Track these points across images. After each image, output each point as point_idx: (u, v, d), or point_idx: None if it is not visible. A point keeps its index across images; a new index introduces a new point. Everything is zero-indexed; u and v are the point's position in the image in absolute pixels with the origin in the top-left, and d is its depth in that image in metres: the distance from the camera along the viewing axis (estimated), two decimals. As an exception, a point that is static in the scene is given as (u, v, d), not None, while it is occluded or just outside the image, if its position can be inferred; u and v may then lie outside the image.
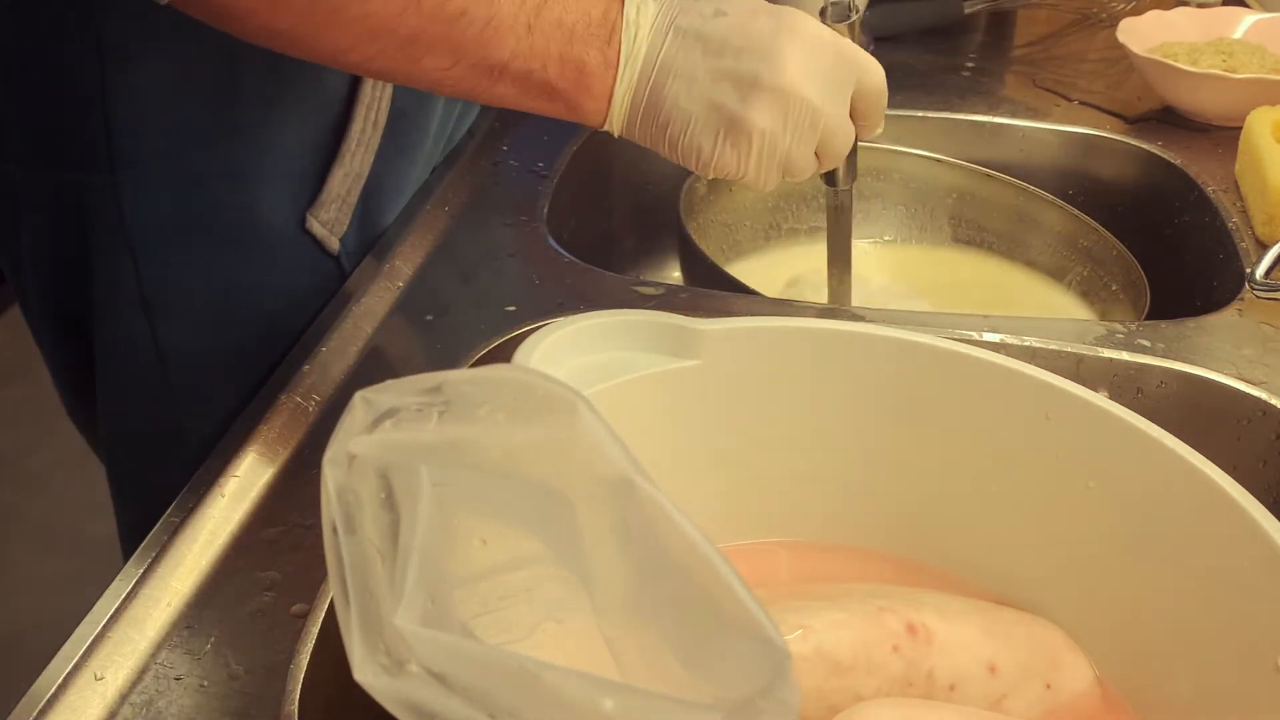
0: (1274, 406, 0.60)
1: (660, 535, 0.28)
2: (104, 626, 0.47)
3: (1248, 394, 0.61)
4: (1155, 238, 0.87)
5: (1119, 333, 0.65)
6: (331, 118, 0.70)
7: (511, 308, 0.67)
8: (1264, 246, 0.74)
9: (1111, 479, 0.47)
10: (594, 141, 0.92)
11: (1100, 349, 0.63)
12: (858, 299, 0.76)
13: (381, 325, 0.66)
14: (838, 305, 0.74)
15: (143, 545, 0.51)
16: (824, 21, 0.61)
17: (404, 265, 0.72)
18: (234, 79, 0.66)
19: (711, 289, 0.70)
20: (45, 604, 1.53)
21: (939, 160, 0.91)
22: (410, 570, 0.28)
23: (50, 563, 1.74)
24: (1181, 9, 1.05)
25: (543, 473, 0.30)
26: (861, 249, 0.92)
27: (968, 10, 1.13)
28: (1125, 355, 0.63)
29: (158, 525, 0.52)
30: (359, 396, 0.30)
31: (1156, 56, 0.93)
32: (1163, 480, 0.45)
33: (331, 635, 0.47)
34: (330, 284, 0.72)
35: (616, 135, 0.59)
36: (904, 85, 0.94)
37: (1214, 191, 0.83)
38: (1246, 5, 1.13)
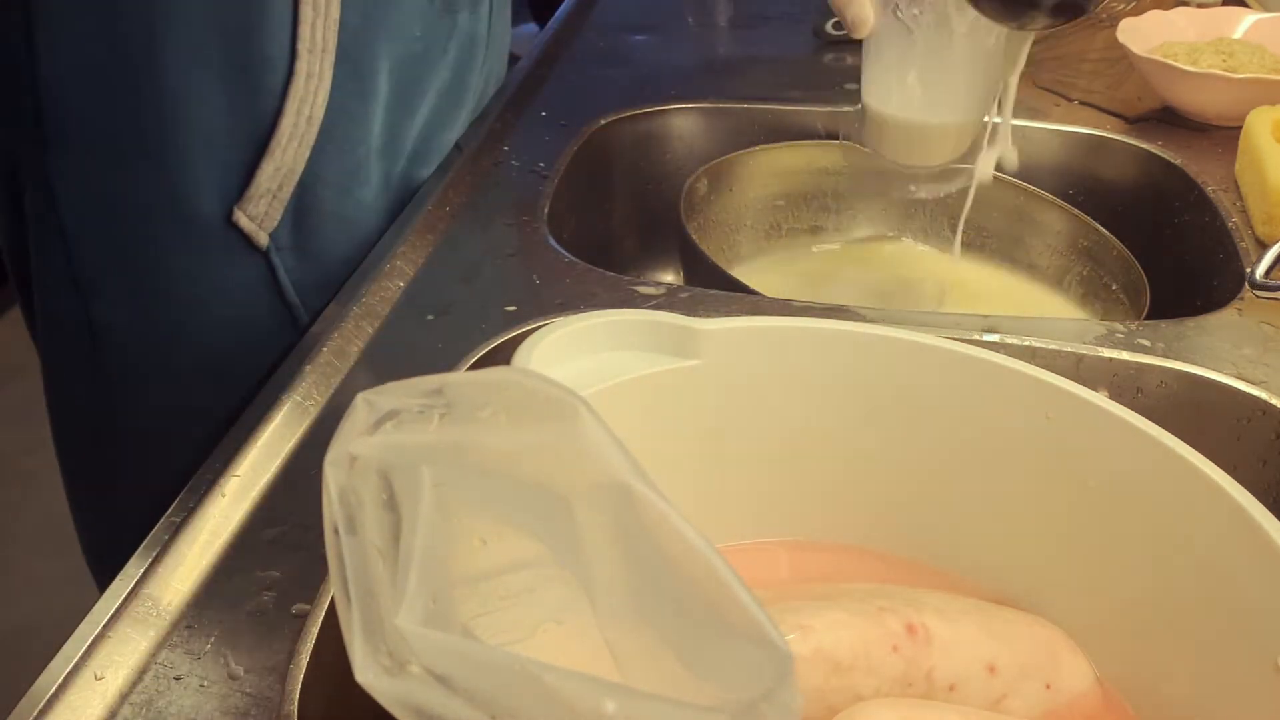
0: (1274, 406, 0.60)
1: (660, 540, 0.28)
2: (104, 626, 0.47)
3: (1248, 394, 0.61)
4: (1155, 238, 0.87)
5: (1119, 332, 0.65)
6: (262, 109, 0.69)
7: (512, 307, 0.67)
8: (1264, 246, 0.74)
9: (1111, 479, 0.47)
10: (595, 141, 0.92)
11: (1100, 349, 0.63)
12: (857, 298, 0.76)
13: (382, 325, 0.66)
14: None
15: (143, 545, 0.51)
16: None
17: (404, 265, 0.72)
18: (155, 61, 0.65)
19: (711, 289, 0.70)
20: (45, 604, 1.54)
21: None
22: (412, 571, 0.28)
23: (50, 563, 1.74)
24: (1181, 9, 1.05)
25: (543, 476, 0.30)
26: (862, 248, 0.92)
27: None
28: (1125, 355, 0.63)
29: (158, 525, 0.52)
30: (361, 398, 0.30)
31: (1156, 56, 0.93)
32: (1162, 480, 0.45)
33: (331, 635, 0.47)
34: (258, 278, 0.72)
35: None
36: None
37: (1214, 191, 0.83)
38: (1246, 5, 1.13)
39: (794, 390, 0.51)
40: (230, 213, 0.70)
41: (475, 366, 0.63)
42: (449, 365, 0.63)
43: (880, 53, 0.76)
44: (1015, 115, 0.95)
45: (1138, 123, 0.94)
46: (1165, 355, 0.63)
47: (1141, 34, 0.97)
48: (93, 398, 0.75)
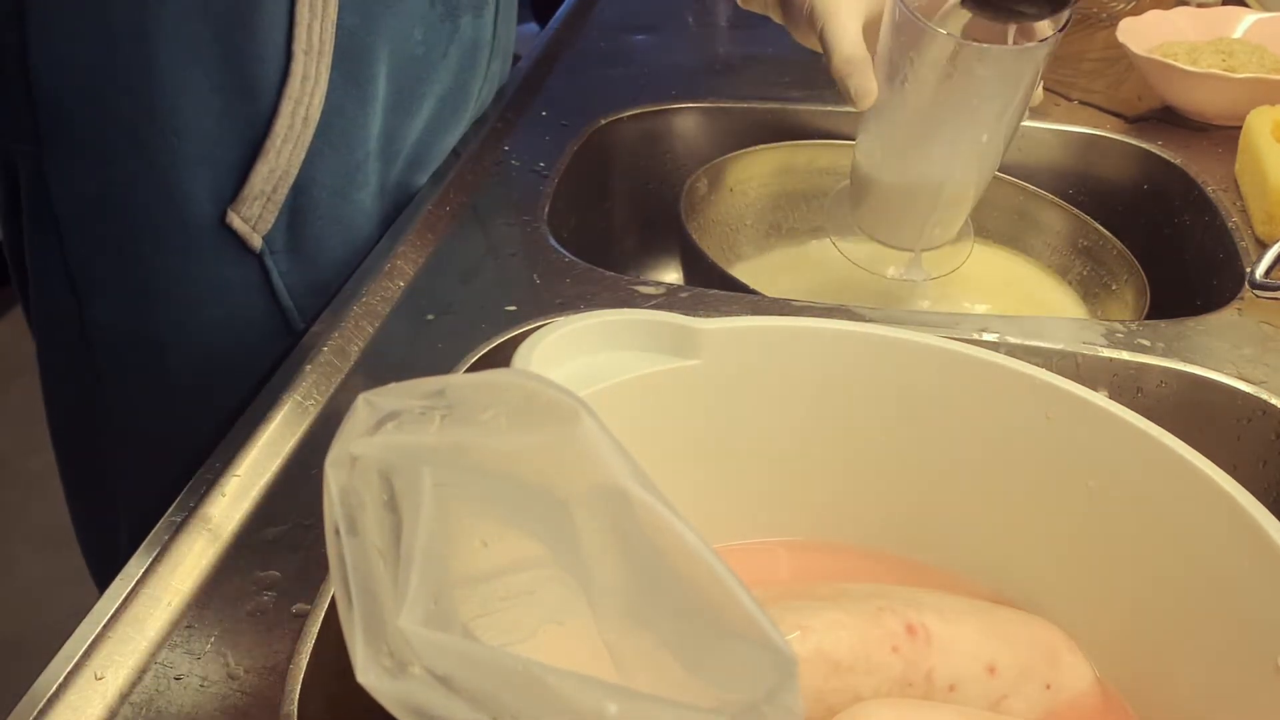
0: (1274, 406, 0.60)
1: (659, 543, 0.28)
2: (104, 626, 0.47)
3: (1248, 393, 0.61)
4: (1155, 237, 0.87)
5: (1119, 332, 0.65)
6: (257, 110, 0.68)
7: (512, 307, 0.67)
8: (1264, 246, 0.74)
9: (1111, 479, 0.47)
10: (595, 141, 0.92)
11: (1100, 348, 0.63)
12: (857, 298, 0.76)
13: (382, 325, 0.66)
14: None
15: (143, 545, 0.51)
16: None
17: (404, 265, 0.72)
18: (149, 61, 0.65)
19: (711, 289, 0.70)
20: (45, 604, 1.54)
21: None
22: (413, 572, 0.28)
23: (50, 563, 1.74)
24: (1181, 9, 1.05)
25: (543, 479, 0.30)
26: (861, 247, 0.92)
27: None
28: (1125, 355, 0.63)
29: (159, 525, 0.52)
30: (362, 399, 0.30)
31: (1156, 56, 0.93)
32: (1163, 480, 0.45)
33: (331, 635, 0.47)
34: (252, 280, 0.71)
35: None
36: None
37: (1214, 191, 0.83)
38: (1246, 5, 1.13)
39: (794, 390, 0.51)
40: (224, 214, 0.69)
41: (475, 366, 0.63)
42: (449, 365, 0.63)
43: (881, 119, 0.73)
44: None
45: (1138, 122, 0.94)
46: (1165, 355, 0.63)
47: (1141, 34, 0.97)
48: (88, 397, 0.74)
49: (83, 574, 0.82)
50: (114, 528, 0.77)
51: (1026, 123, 0.94)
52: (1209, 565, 0.44)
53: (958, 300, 0.86)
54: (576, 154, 0.88)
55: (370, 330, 0.66)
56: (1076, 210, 0.86)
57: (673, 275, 0.96)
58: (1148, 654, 0.47)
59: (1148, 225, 0.88)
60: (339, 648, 0.30)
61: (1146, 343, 0.64)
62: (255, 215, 0.70)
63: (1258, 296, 0.69)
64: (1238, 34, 1.00)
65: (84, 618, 0.47)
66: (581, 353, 0.48)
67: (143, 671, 0.45)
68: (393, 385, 0.31)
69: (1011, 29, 0.68)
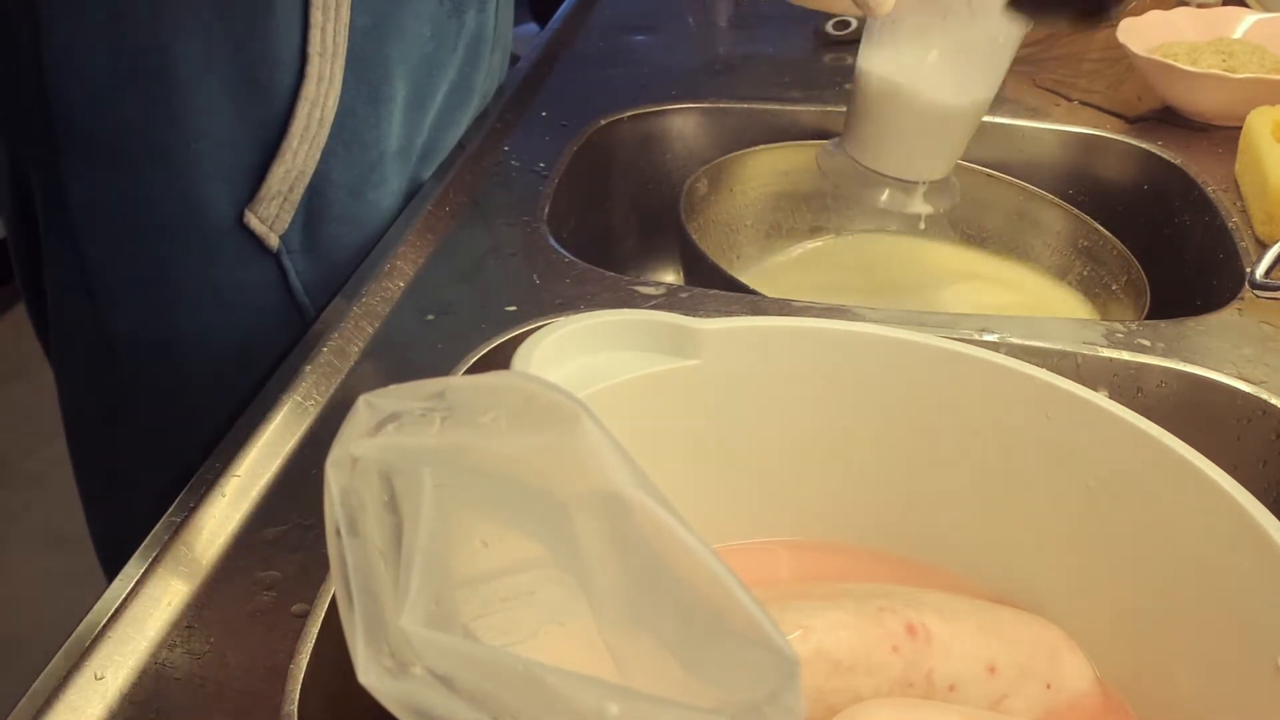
0: (1274, 406, 0.60)
1: (658, 546, 0.28)
2: (104, 626, 0.47)
3: (1248, 393, 0.61)
4: (1155, 237, 0.87)
5: (1119, 332, 0.65)
6: (273, 112, 0.69)
7: (512, 307, 0.67)
8: (1264, 246, 0.74)
9: (1111, 479, 0.47)
10: (595, 141, 0.92)
11: (1100, 348, 0.63)
12: (857, 298, 0.76)
13: (382, 325, 0.66)
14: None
15: (143, 545, 0.51)
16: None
17: (404, 265, 0.72)
18: (164, 66, 0.65)
19: (711, 289, 0.70)
20: (45, 604, 1.54)
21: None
22: (414, 573, 0.28)
23: (50, 563, 1.74)
24: (1181, 9, 1.05)
25: (543, 480, 0.30)
26: (861, 247, 0.92)
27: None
28: (1125, 355, 0.63)
29: (158, 525, 0.52)
30: (362, 400, 0.30)
31: (1156, 56, 0.93)
32: (1163, 480, 0.45)
33: (332, 635, 0.47)
34: (269, 280, 0.72)
35: None
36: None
37: (1214, 191, 0.83)
38: (1246, 5, 1.13)
39: (794, 390, 0.51)
40: (241, 215, 0.70)
41: (475, 367, 0.63)
42: (449, 365, 0.63)
43: (898, 31, 0.71)
44: (1016, 115, 0.95)
45: (1138, 123, 0.94)
46: (1165, 355, 0.63)
47: (1141, 34, 0.97)
48: (106, 401, 0.75)
49: (83, 574, 0.82)
50: (127, 527, 0.78)
51: (1027, 123, 0.94)
52: (1209, 565, 0.44)
53: (958, 300, 0.86)
54: (576, 154, 0.88)
55: (370, 330, 0.66)
56: (1076, 210, 0.86)
57: (673, 275, 0.96)
58: (1148, 654, 0.47)
59: (1148, 225, 0.88)
60: (339, 648, 0.30)
61: (1146, 343, 0.64)
62: (272, 215, 0.70)
63: (1258, 296, 0.69)
64: (1238, 34, 1.00)
65: (84, 618, 0.47)
66: (581, 353, 0.48)
67: (143, 672, 0.45)
68: (393, 387, 0.31)
69: None
